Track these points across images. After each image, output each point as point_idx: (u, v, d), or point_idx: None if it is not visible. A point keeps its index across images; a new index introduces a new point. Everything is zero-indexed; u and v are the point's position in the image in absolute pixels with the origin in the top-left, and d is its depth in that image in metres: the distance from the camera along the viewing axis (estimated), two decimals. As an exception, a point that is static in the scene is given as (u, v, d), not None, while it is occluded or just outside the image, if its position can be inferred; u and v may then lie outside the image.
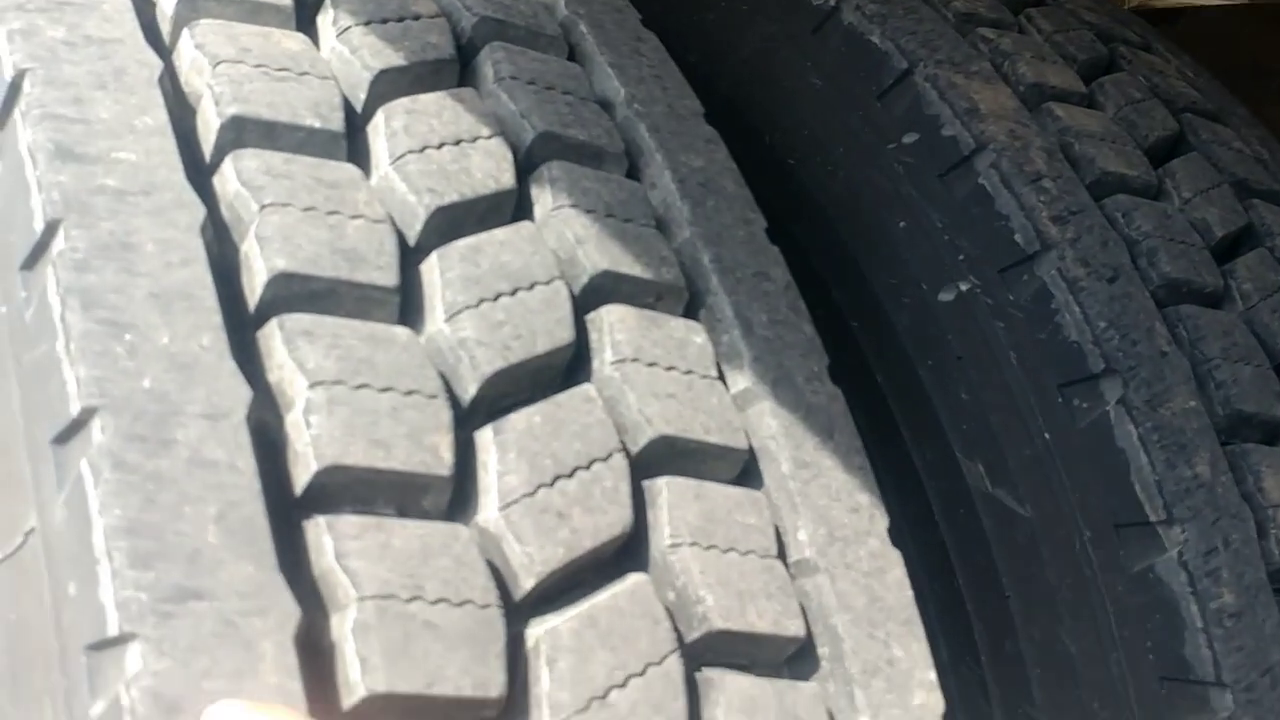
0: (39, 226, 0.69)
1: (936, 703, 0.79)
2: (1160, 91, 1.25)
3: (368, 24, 0.83)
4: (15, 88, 0.73)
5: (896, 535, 0.83)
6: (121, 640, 0.60)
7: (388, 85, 0.82)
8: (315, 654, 0.64)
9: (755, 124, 1.24)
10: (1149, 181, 1.14)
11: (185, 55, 0.79)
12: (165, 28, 0.82)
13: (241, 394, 0.66)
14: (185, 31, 0.80)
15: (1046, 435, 1.03)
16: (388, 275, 0.73)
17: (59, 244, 0.68)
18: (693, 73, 1.04)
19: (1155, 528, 0.97)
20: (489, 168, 0.80)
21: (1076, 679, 1.02)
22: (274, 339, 0.70)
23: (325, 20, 0.85)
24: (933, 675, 0.80)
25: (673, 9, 1.28)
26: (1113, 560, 0.99)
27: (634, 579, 0.73)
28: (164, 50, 0.81)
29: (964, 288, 1.09)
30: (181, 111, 0.78)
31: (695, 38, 1.28)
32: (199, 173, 0.75)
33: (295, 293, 0.71)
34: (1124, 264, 1.06)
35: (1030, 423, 1.04)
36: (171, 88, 0.78)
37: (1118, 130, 1.17)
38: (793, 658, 0.78)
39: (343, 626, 0.64)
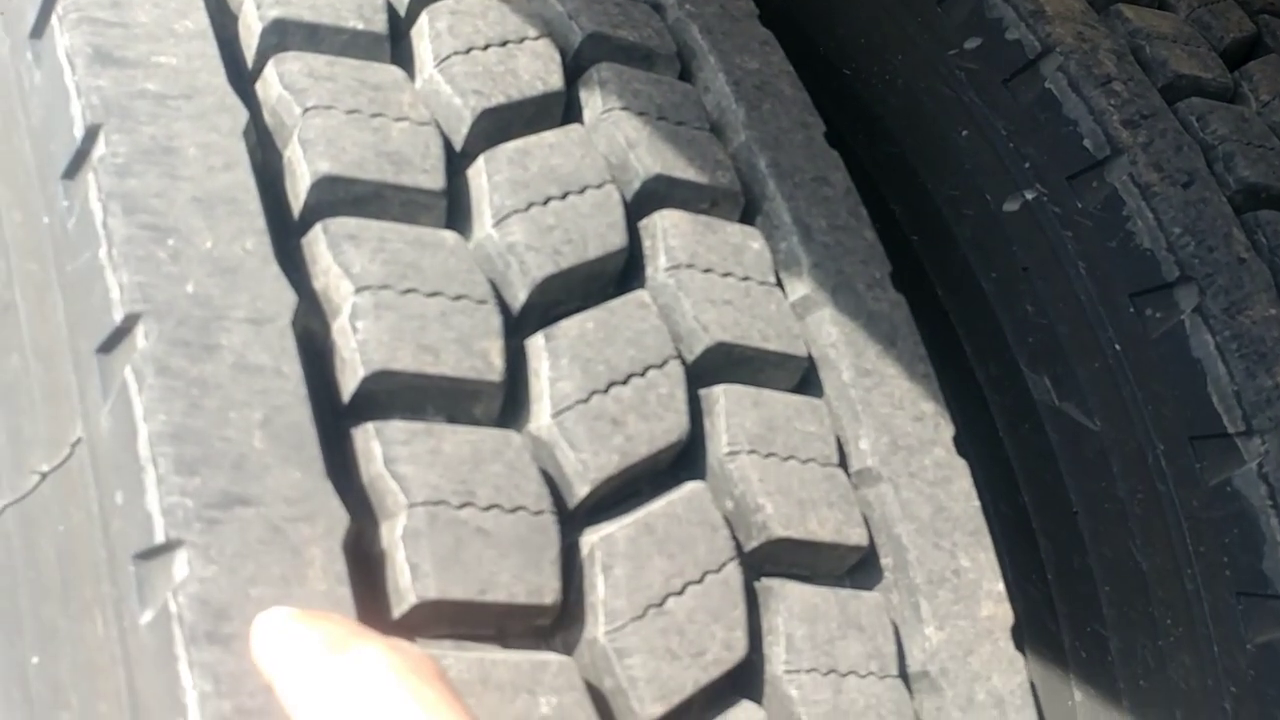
0: (79, 133, 0.68)
1: (1005, 614, 0.77)
2: (1236, -9, 1.20)
3: (410, -76, 0.80)
4: (52, -7, 0.72)
5: (959, 449, 0.81)
6: (168, 547, 0.59)
7: (432, -14, 0.79)
8: (364, 561, 0.63)
9: (809, 32, 1.20)
10: (1225, 84, 1.09)
11: (224, -41, 0.77)
12: (203, -68, 0.80)
13: (286, 298, 0.65)
14: (224, -66, 0.78)
15: (1117, 346, 1.00)
16: (433, 179, 0.71)
17: (99, 149, 0.67)
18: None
19: (1233, 439, 0.94)
20: (536, 69, 0.78)
21: (1148, 595, 0.99)
22: (319, 244, 0.68)
23: (366, -78, 0.82)
24: (1000, 586, 0.78)
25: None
26: (1187, 474, 0.96)
27: (691, 487, 0.71)
28: (203, -45, 0.79)
29: (1029, 196, 1.05)
30: (222, 16, 0.76)
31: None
32: (240, 78, 0.74)
33: (340, 197, 0.70)
34: (1199, 169, 1.01)
35: (1100, 334, 1.01)
36: (211, -9, 0.76)
37: (1191, 32, 1.12)
38: (855, 568, 0.76)
39: (392, 533, 0.63)
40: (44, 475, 0.69)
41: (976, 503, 0.79)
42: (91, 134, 0.67)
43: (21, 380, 0.72)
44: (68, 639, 0.67)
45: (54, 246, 0.70)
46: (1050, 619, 1.04)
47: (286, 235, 0.70)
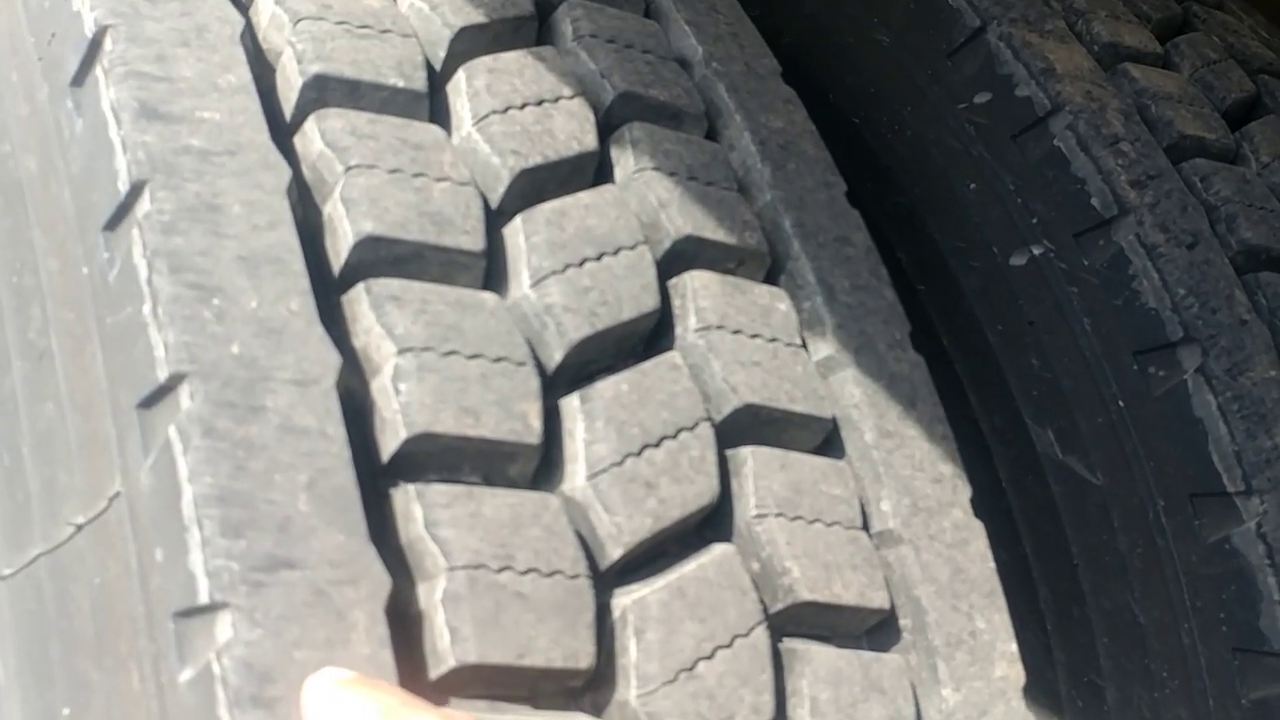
0: (123, 187, 0.68)
1: (1018, 675, 0.79)
2: (1235, 52, 1.22)
3: (447, -20, 0.81)
4: (96, 44, 0.72)
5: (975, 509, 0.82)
6: (212, 608, 0.59)
7: (468, 43, 0.80)
8: (401, 621, 0.64)
9: (819, 80, 1.22)
10: (1227, 145, 1.11)
11: (264, 11, 0.78)
12: (241, -18, 0.80)
13: (331, 360, 0.65)
14: (263, -14, 0.78)
15: (1120, 403, 1.02)
16: (474, 240, 0.72)
17: (145, 205, 0.67)
18: (755, 26, 1.02)
19: (1233, 498, 0.96)
20: (572, 129, 0.79)
21: (1146, 648, 1.01)
22: (360, 303, 0.69)
23: (402, -25, 0.83)
24: (1014, 647, 0.80)
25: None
26: (1187, 530, 0.98)
27: (720, 549, 0.72)
28: (241, 5, 0.79)
29: (1036, 252, 1.07)
30: (260, 68, 0.76)
31: (760, -8, 1.25)
32: (279, 132, 0.74)
33: (381, 256, 0.70)
34: (1203, 230, 1.04)
35: (1104, 390, 1.03)
36: (250, 44, 0.76)
37: (1194, 92, 1.14)
38: (874, 629, 0.77)
39: (432, 596, 0.63)
40: (79, 527, 0.70)
41: (992, 564, 0.80)
42: (137, 189, 0.68)
43: (57, 429, 0.72)
44: (101, 691, 0.68)
45: (93, 297, 0.70)
46: (1048, 668, 1.05)
47: (326, 292, 0.70)
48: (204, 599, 0.59)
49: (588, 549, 0.69)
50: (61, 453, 0.71)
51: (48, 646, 0.71)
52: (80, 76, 0.74)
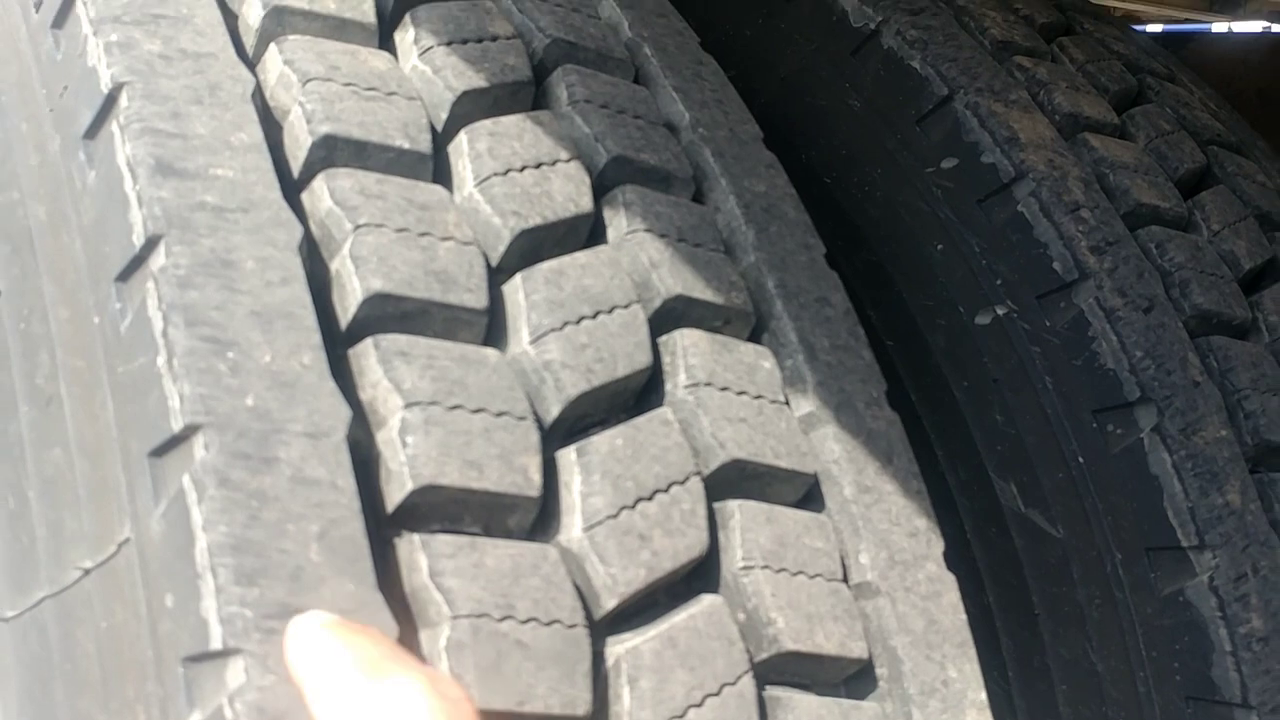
0: (138, 240, 0.70)
1: (987, 723, 0.82)
2: (1187, 123, 1.28)
3: (449, 44, 0.84)
4: (112, 100, 0.74)
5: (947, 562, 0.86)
6: (225, 654, 0.61)
7: (470, 106, 0.83)
8: (405, 669, 0.66)
9: (792, 142, 1.26)
10: (1180, 213, 1.17)
11: (272, 70, 0.80)
12: (249, 41, 0.83)
13: (342, 413, 0.68)
14: (273, 46, 0.81)
15: (1080, 459, 1.06)
16: (478, 298, 0.74)
17: (160, 259, 0.69)
18: (733, 86, 1.06)
19: (1187, 553, 1.00)
20: (569, 191, 0.82)
21: (1102, 696, 1.05)
22: (368, 358, 0.71)
23: (405, 38, 0.86)
24: (983, 695, 0.83)
25: (713, 25, 1.29)
26: (1143, 583, 1.02)
27: (709, 600, 0.75)
28: (248, 63, 0.82)
29: (1000, 312, 1.11)
30: (268, 126, 0.79)
31: (735, 54, 1.29)
32: (286, 188, 0.76)
33: (388, 312, 0.73)
34: (1159, 295, 1.09)
35: (1064, 446, 1.07)
36: (260, 103, 0.79)
37: (1150, 162, 1.19)
38: (852, 678, 0.80)
39: (436, 643, 0.66)
40: (87, 571, 0.71)
41: (963, 616, 0.84)
42: (152, 242, 0.70)
43: (65, 475, 0.73)
44: (105, 734, 0.69)
45: (104, 346, 0.72)
46: (1009, 715, 1.09)
47: (333, 345, 0.72)
48: (217, 645, 0.61)
49: (584, 599, 0.71)
50: (69, 498, 0.73)
51: (52, 689, 0.72)
52: (94, 130, 0.76)
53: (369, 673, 0.55)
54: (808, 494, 0.83)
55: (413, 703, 0.53)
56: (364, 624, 0.59)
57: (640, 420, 0.77)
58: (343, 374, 0.72)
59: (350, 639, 0.57)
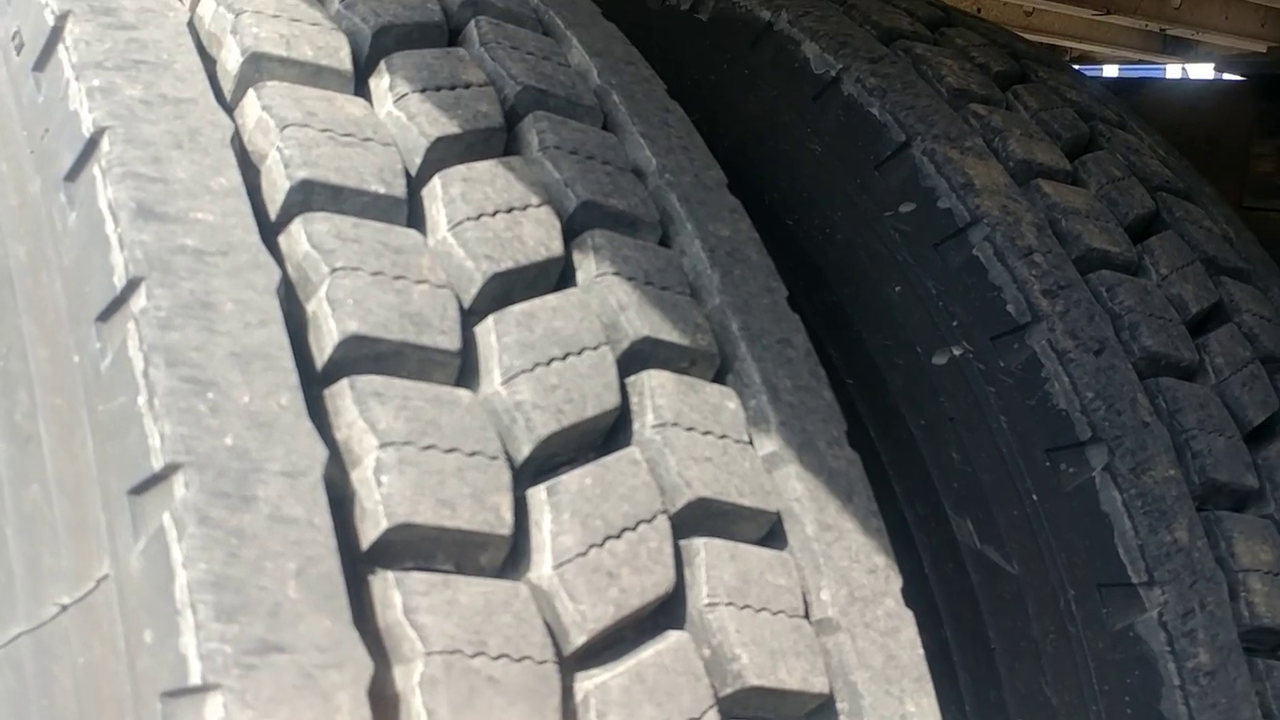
0: (119, 282, 0.72)
1: (945, 756, 0.84)
2: (1137, 170, 1.32)
3: (423, 91, 0.87)
4: (93, 144, 0.76)
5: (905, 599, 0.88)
6: (204, 689, 0.62)
7: (443, 151, 0.85)
8: (378, 703, 0.67)
9: (755, 184, 1.29)
10: (1130, 258, 1.21)
11: (250, 115, 0.82)
12: (228, 86, 0.85)
13: (318, 453, 0.69)
14: (251, 92, 0.83)
15: (1034, 497, 1.09)
16: (451, 340, 0.76)
17: (141, 301, 0.71)
18: (698, 129, 1.09)
19: (1137, 589, 1.03)
20: (540, 235, 0.84)
21: (1056, 730, 1.07)
22: (344, 398, 0.73)
23: (380, 85, 0.88)
24: (940, 729, 0.85)
25: (680, 70, 1.32)
26: (1095, 618, 1.05)
27: (675, 636, 0.77)
28: (226, 108, 0.84)
29: (956, 352, 1.14)
30: (246, 171, 0.80)
31: (701, 98, 1.32)
32: (264, 231, 0.78)
33: (364, 354, 0.74)
34: (1109, 337, 1.12)
35: (1019, 484, 1.10)
36: (238, 147, 0.81)
37: (1100, 207, 1.23)
38: (813, 712, 0.82)
39: (409, 679, 0.67)
40: (65, 607, 0.72)
41: (921, 651, 0.86)
42: (133, 285, 0.71)
43: (43, 512, 0.74)
44: (80, 769, 0.70)
45: (84, 385, 0.74)
46: (965, 747, 1.11)
47: (310, 385, 0.74)
48: (196, 680, 0.62)
49: (554, 635, 0.73)
50: (47, 535, 0.74)
51: (26, 724, 0.73)
52: (75, 172, 0.77)
53: None
54: (771, 531, 0.85)
55: None
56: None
57: (609, 459, 0.79)
58: (319, 414, 0.73)
59: None
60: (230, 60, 0.85)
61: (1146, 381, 1.13)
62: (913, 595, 1.14)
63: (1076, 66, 4.48)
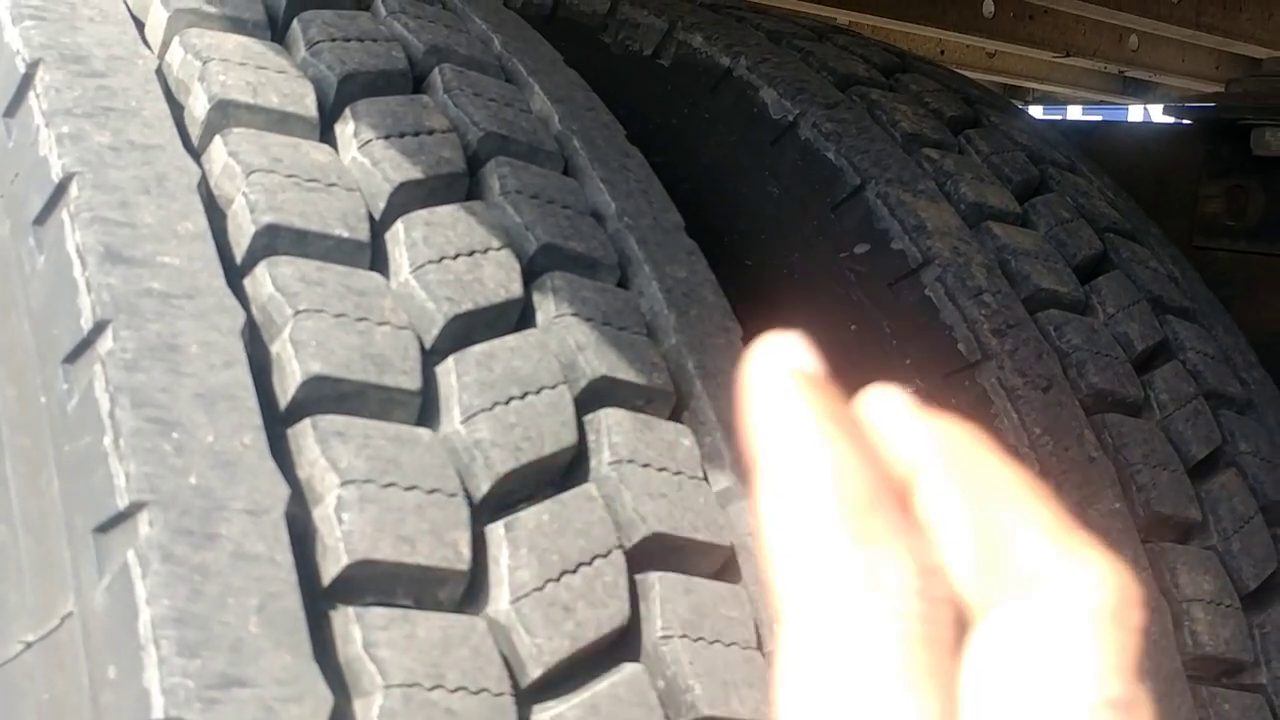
0: (86, 324, 0.74)
1: (895, 785, 0.86)
2: (1085, 212, 1.36)
3: (387, 137, 0.89)
4: (62, 189, 0.78)
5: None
6: (165, 723, 0.64)
7: (407, 196, 0.87)
8: (337, 737, 0.69)
9: (715, 225, 1.32)
10: (1078, 298, 1.24)
11: (217, 161, 0.84)
12: (196, 133, 0.87)
13: (280, 491, 0.71)
14: (218, 138, 0.85)
15: (985, 532, 1.11)
16: (412, 380, 0.79)
17: (107, 343, 0.73)
18: (657, 174, 1.12)
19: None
20: (500, 277, 0.86)
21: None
22: (307, 437, 0.75)
23: (345, 131, 0.90)
24: (891, 759, 0.87)
25: (642, 114, 1.35)
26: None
27: (630, 668, 0.78)
28: (194, 153, 0.86)
29: (911, 390, 1.17)
30: (213, 215, 0.83)
31: (662, 142, 1.35)
32: (230, 274, 0.80)
33: (326, 394, 0.76)
34: (1056, 374, 1.15)
35: (970, 519, 1.12)
36: (205, 192, 0.83)
37: (1049, 248, 1.27)
38: (766, 742, 0.84)
39: (369, 712, 0.69)
40: (29, 644, 0.73)
41: (872, 682, 0.88)
42: (100, 327, 0.73)
43: (9, 549, 0.76)
44: (43, 803, 0.71)
45: (51, 425, 0.75)
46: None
47: (273, 425, 0.76)
48: (159, 715, 0.64)
49: (511, 668, 0.75)
50: (13, 572, 0.75)
51: (-10, 760, 0.74)
52: (44, 216, 0.79)
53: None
54: (725, 565, 0.88)
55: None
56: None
57: (566, 496, 0.81)
58: (282, 453, 0.75)
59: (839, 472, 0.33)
60: (198, 107, 0.87)
61: (1093, 417, 1.16)
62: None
63: (1040, 106, 4.56)
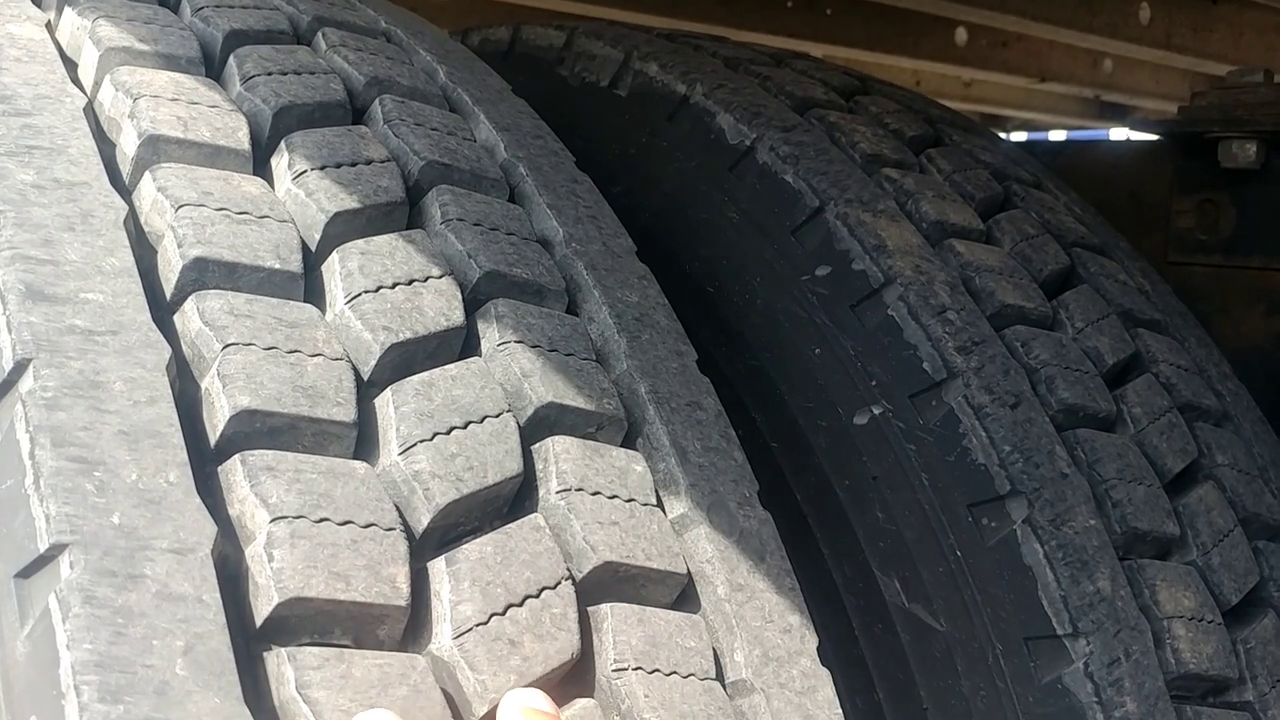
0: (7, 364, 0.71)
1: (866, 816, 0.83)
2: (1051, 227, 1.35)
3: (323, 168, 0.87)
4: (-16, 229, 0.76)
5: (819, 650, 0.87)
6: (88, 774, 0.61)
7: (342, 226, 0.86)
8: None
9: (676, 252, 1.30)
10: (1045, 313, 1.22)
11: (147, 196, 0.83)
12: (125, 169, 0.85)
13: (207, 530, 0.69)
14: (147, 174, 0.83)
15: (958, 552, 1.09)
16: (346, 411, 0.76)
17: (28, 382, 0.71)
18: (617, 203, 1.11)
19: (1062, 640, 1.03)
20: (440, 305, 0.84)
21: (991, 788, 1.06)
22: (236, 474, 0.72)
23: (280, 164, 0.89)
24: (862, 789, 0.84)
25: (600, 143, 1.34)
26: (1024, 672, 1.05)
27: (582, 704, 0.76)
28: (124, 190, 0.84)
29: (876, 411, 1.15)
30: (142, 250, 0.81)
31: (621, 170, 1.34)
32: (159, 310, 0.78)
33: (256, 429, 0.74)
34: (1025, 391, 1.13)
35: (942, 540, 1.10)
36: (133, 227, 0.81)
37: (1014, 265, 1.25)
38: (730, 776, 0.81)
39: (304, 755, 0.66)
40: (-49, 698, 0.71)
41: (839, 710, 0.85)
42: (20, 366, 0.71)
43: (-70, 602, 0.73)
44: None
45: (-28, 471, 0.73)
46: (902, 810, 1.10)
47: (203, 463, 0.74)
48: (79, 765, 0.61)
49: (454, 707, 0.72)
50: (-66, 624, 0.73)
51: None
52: (-34, 262, 0.77)
53: None
54: (682, 594, 0.85)
55: None
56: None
57: (511, 527, 0.79)
58: (212, 490, 0.73)
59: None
60: (128, 143, 0.86)
61: (1065, 433, 1.13)
62: (845, 658, 1.14)
63: (1021, 133, 4.58)
